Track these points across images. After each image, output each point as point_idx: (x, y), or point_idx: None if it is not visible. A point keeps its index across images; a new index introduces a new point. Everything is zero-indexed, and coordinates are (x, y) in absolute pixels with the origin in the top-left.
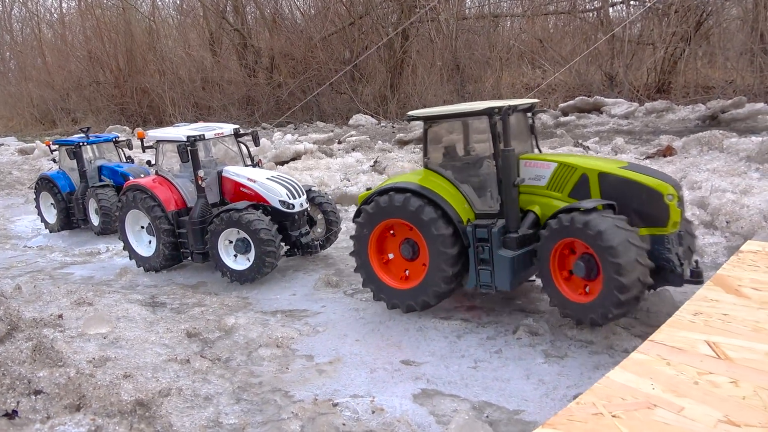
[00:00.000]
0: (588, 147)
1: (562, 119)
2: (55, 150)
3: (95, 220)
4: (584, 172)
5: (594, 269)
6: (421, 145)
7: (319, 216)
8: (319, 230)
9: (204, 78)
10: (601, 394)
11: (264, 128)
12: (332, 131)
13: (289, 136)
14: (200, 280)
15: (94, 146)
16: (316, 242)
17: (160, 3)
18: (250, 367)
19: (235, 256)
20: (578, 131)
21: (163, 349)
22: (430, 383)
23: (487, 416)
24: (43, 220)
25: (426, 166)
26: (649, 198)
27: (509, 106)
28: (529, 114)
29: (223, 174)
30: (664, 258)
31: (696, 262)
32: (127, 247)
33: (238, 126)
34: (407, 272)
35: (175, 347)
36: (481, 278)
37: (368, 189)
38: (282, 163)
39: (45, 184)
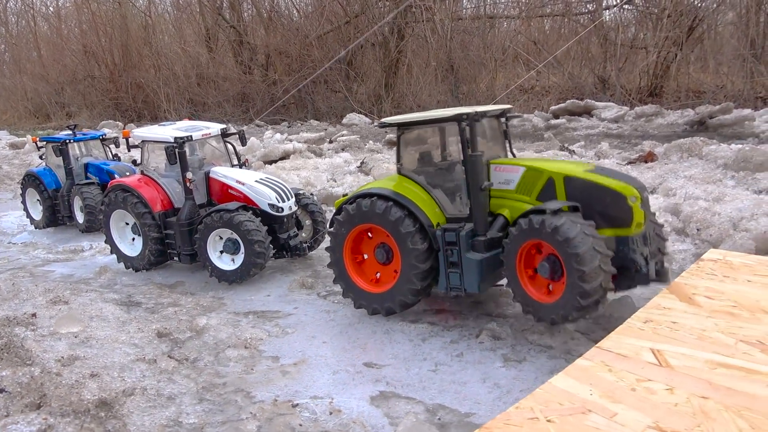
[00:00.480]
0: (573, 151)
1: (553, 122)
2: (41, 147)
3: (80, 217)
4: (550, 175)
5: (558, 271)
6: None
7: (308, 222)
8: (303, 234)
9: (199, 74)
10: (541, 399)
11: (258, 126)
12: (325, 129)
13: (278, 135)
14: (179, 280)
15: (81, 143)
16: (304, 244)
17: None
18: (216, 368)
19: (221, 252)
20: (568, 134)
21: (132, 348)
22: (389, 385)
23: (439, 418)
24: (28, 216)
25: (399, 172)
26: (612, 200)
27: (477, 112)
28: (503, 119)
29: (211, 175)
30: (629, 258)
31: (661, 262)
32: (112, 246)
33: (225, 125)
34: (378, 275)
35: (145, 347)
36: (451, 281)
37: (345, 195)
38: (270, 162)
39: (31, 180)
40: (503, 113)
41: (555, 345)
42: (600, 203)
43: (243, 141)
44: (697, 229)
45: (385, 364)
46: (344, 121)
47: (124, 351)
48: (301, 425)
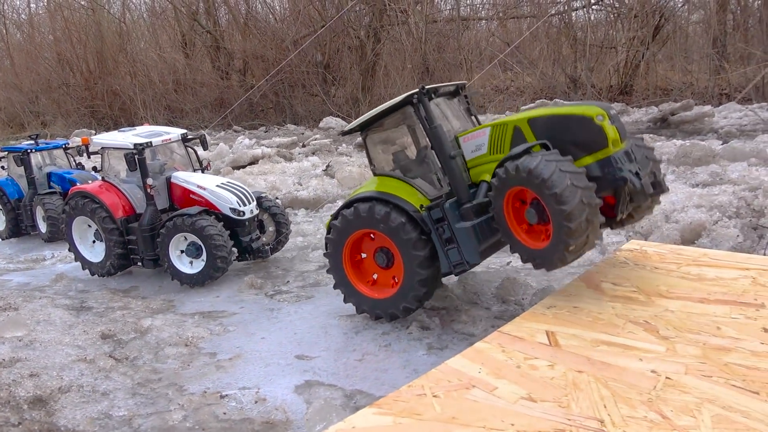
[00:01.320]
0: None
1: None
2: (2, 157)
3: (43, 227)
4: (515, 124)
5: (545, 214)
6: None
7: (270, 226)
8: (265, 238)
9: (176, 80)
10: (433, 378)
11: (236, 131)
12: (302, 133)
13: (246, 141)
14: (133, 285)
15: (44, 153)
16: (266, 247)
17: (131, 4)
18: (154, 365)
19: (182, 251)
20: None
21: (74, 350)
22: (315, 375)
23: (355, 402)
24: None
25: (375, 174)
26: (579, 125)
27: (425, 87)
28: (464, 96)
29: (173, 180)
30: (619, 178)
31: (655, 174)
32: (76, 253)
33: (185, 130)
34: (375, 276)
35: (87, 348)
36: (451, 258)
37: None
38: (239, 168)
39: None
40: (457, 90)
41: (477, 333)
42: (569, 133)
43: (204, 145)
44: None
45: (316, 356)
46: (321, 124)
47: (66, 352)
48: (225, 413)
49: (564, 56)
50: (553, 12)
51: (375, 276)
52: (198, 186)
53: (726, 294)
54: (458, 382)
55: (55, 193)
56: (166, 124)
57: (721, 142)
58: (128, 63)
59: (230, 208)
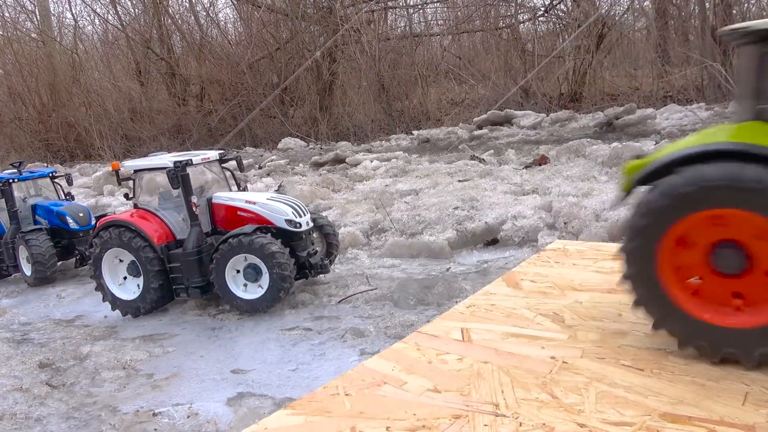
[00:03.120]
0: (483, 159)
1: (477, 133)
2: None
3: (27, 269)
4: None
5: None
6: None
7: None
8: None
9: (132, 109)
10: (348, 379)
11: None
12: (261, 155)
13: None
14: (78, 315)
15: (28, 182)
16: (324, 262)
17: (83, 35)
18: (90, 389)
19: (237, 272)
20: (491, 143)
21: (11, 380)
22: (248, 387)
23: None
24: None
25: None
26: None
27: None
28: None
29: (214, 201)
30: None
31: None
32: (105, 292)
33: (222, 150)
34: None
35: (24, 378)
36: None
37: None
38: None
39: None
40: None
41: (405, 335)
42: None
43: (241, 166)
44: (564, 223)
45: (251, 369)
46: (280, 145)
47: (1, 383)
48: (156, 430)
49: (515, 68)
50: (501, 25)
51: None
52: (246, 201)
53: None
54: (371, 380)
55: (41, 229)
56: (124, 154)
57: (654, 142)
58: (82, 94)
59: (286, 220)
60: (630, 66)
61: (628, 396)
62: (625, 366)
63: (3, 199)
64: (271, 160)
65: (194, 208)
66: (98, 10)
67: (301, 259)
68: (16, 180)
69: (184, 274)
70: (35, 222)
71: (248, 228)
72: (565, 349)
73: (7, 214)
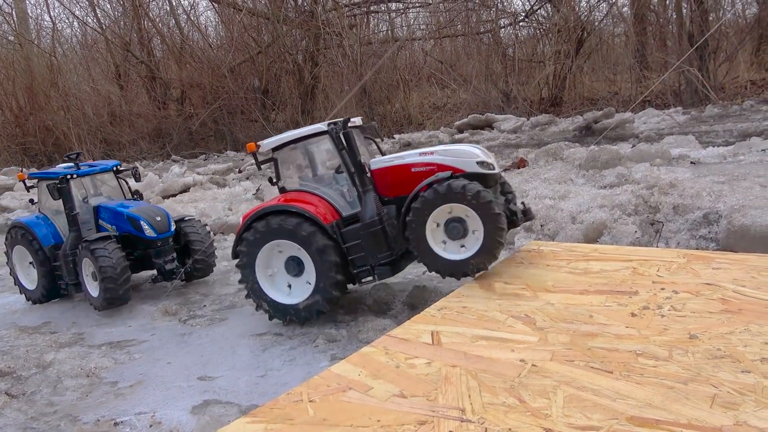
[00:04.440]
0: None
1: (457, 136)
2: (32, 186)
3: (93, 288)
4: None
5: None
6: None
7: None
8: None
9: (111, 112)
10: (313, 385)
11: (174, 161)
12: (242, 159)
13: (177, 169)
14: (45, 321)
15: (88, 179)
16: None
17: (61, 37)
18: (51, 398)
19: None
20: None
21: None
22: (215, 394)
23: None
24: (19, 287)
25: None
26: None
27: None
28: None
29: (374, 167)
30: None
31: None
32: (264, 299)
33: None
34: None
35: None
36: None
37: None
38: (169, 197)
39: (19, 234)
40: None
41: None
42: None
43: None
44: (541, 225)
45: (219, 376)
46: (260, 149)
47: None
48: None
49: (496, 72)
50: (482, 30)
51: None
52: (420, 154)
53: (606, 285)
54: (336, 386)
55: (109, 237)
56: (103, 158)
57: (631, 146)
58: (60, 97)
59: (477, 162)
60: (609, 71)
61: (596, 399)
62: (594, 368)
63: (59, 200)
64: (251, 164)
65: (367, 171)
66: (77, 12)
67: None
68: (75, 176)
69: (367, 251)
70: (98, 228)
71: (446, 173)
72: (534, 352)
73: (66, 218)
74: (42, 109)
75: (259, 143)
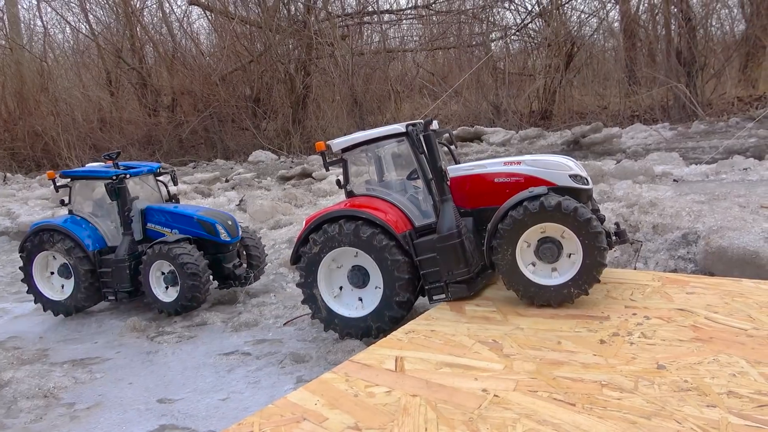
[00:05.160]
0: None
1: (446, 148)
2: (62, 186)
3: (160, 292)
4: None
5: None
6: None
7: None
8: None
9: (101, 119)
10: (266, 414)
11: (164, 168)
12: (231, 168)
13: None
14: (12, 335)
15: (137, 180)
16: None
17: (53, 42)
18: (3, 420)
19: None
20: (460, 159)
21: None
22: (173, 418)
23: None
24: (40, 300)
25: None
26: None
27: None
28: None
29: (452, 175)
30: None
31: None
32: (321, 306)
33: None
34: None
35: None
36: None
37: None
38: None
39: (52, 239)
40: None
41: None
42: None
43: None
44: None
45: (179, 398)
46: (251, 158)
47: None
48: None
49: (486, 85)
50: (474, 43)
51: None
52: (505, 164)
53: (577, 309)
54: (291, 416)
55: (188, 239)
56: (102, 161)
57: (615, 161)
58: (50, 103)
59: (570, 176)
60: (599, 85)
61: None
62: (557, 400)
63: (110, 202)
64: (238, 174)
65: (447, 178)
66: (70, 18)
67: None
68: (128, 176)
69: (443, 266)
70: (146, 232)
71: (541, 188)
72: (498, 381)
73: (120, 220)
74: (31, 114)
75: (328, 143)
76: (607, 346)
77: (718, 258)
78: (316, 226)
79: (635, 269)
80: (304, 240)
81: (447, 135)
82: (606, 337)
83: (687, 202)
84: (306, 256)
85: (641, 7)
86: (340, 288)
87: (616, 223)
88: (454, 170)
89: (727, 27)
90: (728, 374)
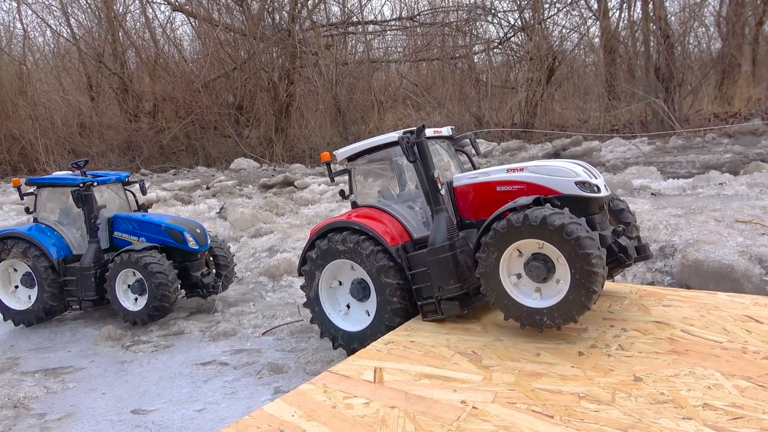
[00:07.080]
0: None
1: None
2: (28, 193)
3: (127, 302)
4: None
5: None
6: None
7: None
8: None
9: (81, 123)
10: (242, 426)
11: (144, 174)
12: (212, 175)
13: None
14: None
15: (104, 188)
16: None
17: (33, 46)
18: None
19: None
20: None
21: None
22: (146, 430)
23: None
24: (4, 310)
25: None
26: None
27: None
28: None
29: (456, 184)
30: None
31: None
32: (327, 324)
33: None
34: None
35: None
36: None
37: None
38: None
39: (15, 247)
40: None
41: None
42: None
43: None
44: None
45: (154, 410)
46: (232, 165)
47: None
48: None
49: (469, 97)
50: (457, 55)
51: None
52: (508, 171)
53: None
54: (267, 428)
55: (155, 247)
56: (70, 169)
57: None
58: (29, 106)
59: (577, 183)
60: (579, 99)
61: None
62: (535, 412)
63: (76, 209)
64: (219, 181)
65: (440, 185)
66: (51, 22)
67: (608, 240)
68: (96, 183)
69: (434, 281)
70: (113, 240)
71: (528, 198)
72: (477, 393)
73: (86, 228)
74: (9, 118)
75: (334, 153)
76: (585, 357)
77: (695, 271)
78: (316, 238)
79: (613, 281)
80: (303, 260)
81: (467, 140)
82: (584, 349)
83: (664, 215)
84: (306, 272)
85: (621, 24)
86: (348, 306)
87: (638, 236)
88: (459, 179)
89: (704, 45)
90: (704, 386)
